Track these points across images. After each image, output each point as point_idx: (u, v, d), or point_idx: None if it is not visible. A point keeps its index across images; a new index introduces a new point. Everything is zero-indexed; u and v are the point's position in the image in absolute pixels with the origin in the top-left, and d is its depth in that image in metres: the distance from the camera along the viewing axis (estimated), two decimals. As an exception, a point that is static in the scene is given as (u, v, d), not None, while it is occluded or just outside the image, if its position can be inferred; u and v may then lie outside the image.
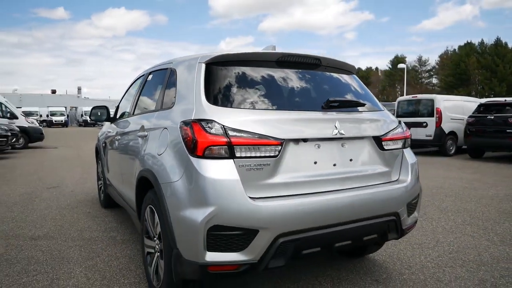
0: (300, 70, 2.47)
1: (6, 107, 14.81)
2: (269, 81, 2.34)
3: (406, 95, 25.23)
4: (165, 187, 2.12)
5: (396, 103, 12.82)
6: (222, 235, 1.88)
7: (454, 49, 61.42)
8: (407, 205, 2.47)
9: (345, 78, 2.69)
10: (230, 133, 1.96)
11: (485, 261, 3.09)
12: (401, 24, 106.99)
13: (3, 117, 14.46)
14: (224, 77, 2.24)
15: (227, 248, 1.90)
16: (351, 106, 2.46)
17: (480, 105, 10.77)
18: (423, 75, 72.00)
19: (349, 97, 2.57)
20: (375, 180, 2.40)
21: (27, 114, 38.11)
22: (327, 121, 2.23)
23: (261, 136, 2.00)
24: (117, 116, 4.16)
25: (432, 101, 11.51)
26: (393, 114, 11.85)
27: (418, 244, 3.51)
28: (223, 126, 1.97)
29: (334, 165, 2.25)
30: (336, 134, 2.21)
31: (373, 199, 2.28)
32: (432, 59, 74.12)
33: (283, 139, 2.05)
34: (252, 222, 1.89)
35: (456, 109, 11.63)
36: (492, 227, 4.05)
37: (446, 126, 11.27)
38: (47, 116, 40.34)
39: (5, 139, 11.52)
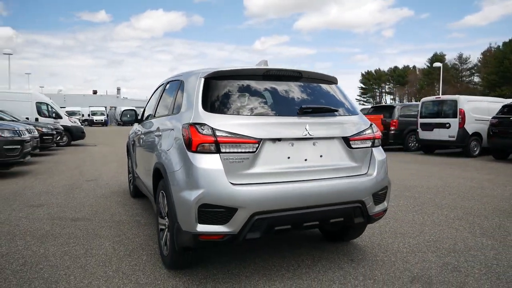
0: (283, 82, 3.00)
1: (51, 107, 16.23)
2: (254, 92, 2.90)
3: (442, 94, 24.78)
4: (171, 175, 2.72)
5: (420, 103, 12.88)
6: (209, 211, 2.45)
7: (498, 46, 58.79)
8: (373, 195, 2.93)
9: (325, 87, 3.19)
10: (217, 133, 2.52)
11: (457, 249, 3.45)
12: (442, 20, 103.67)
13: (49, 117, 15.89)
14: (218, 89, 2.81)
15: (213, 222, 2.47)
16: (322, 111, 2.96)
17: (504, 106, 10.69)
18: (463, 73, 69.37)
19: (324, 104, 3.06)
20: (343, 173, 2.88)
21: (70, 114, 40.51)
22: (298, 124, 2.74)
23: (242, 136, 2.55)
24: (143, 118, 4.85)
25: (455, 101, 11.52)
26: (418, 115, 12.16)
27: (402, 233, 3.91)
28: (212, 128, 2.54)
29: (305, 160, 2.76)
30: (306, 135, 2.72)
31: (339, 189, 2.77)
32: (474, 57, 71.27)
33: (260, 138, 2.59)
34: (231, 202, 2.45)
35: (481, 110, 11.57)
36: (481, 222, 4.35)
37: (470, 127, 11.25)
38: (88, 115, 42.84)
39: (51, 137, 12.78)
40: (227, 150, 2.53)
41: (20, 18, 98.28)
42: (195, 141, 2.53)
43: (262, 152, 2.61)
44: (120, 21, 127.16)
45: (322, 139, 2.83)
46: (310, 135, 2.74)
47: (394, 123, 13.17)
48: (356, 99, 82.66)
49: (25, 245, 3.55)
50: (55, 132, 13.34)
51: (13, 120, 11.12)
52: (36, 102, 15.76)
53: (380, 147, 3.17)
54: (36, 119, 15.39)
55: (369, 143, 3.03)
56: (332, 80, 3.27)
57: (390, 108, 14.16)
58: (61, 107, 24.27)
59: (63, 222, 4.33)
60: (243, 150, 2.55)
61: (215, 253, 3.29)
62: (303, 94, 3.05)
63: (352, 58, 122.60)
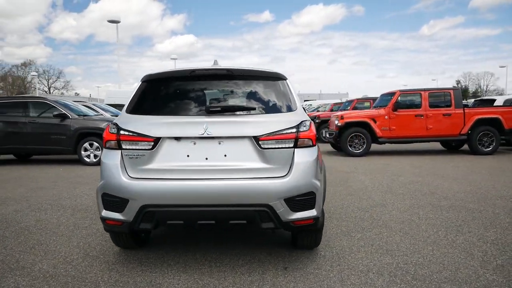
0: (211, 82, 3.07)
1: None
2: (175, 94, 3.06)
3: None
4: None
5: None
6: (108, 200, 2.79)
7: None
8: (287, 200, 2.70)
9: (260, 85, 3.07)
10: (121, 132, 2.83)
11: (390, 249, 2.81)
12: None
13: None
14: (143, 92, 3.09)
15: (113, 209, 2.79)
16: (233, 110, 2.89)
17: None
18: None
19: (248, 102, 2.96)
20: (250, 174, 2.75)
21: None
22: (198, 123, 2.77)
23: (139, 134, 2.78)
24: None
25: None
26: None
27: (346, 232, 3.36)
28: (118, 127, 2.86)
29: (206, 159, 2.78)
30: (203, 134, 2.74)
31: (241, 190, 2.68)
32: None
33: (157, 136, 2.77)
34: (123, 193, 2.72)
35: None
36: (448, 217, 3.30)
37: None
38: None
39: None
40: (127, 147, 2.81)
41: (200, 26, 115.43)
42: (104, 139, 2.90)
43: (161, 150, 2.79)
44: (282, 19, 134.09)
45: (228, 139, 2.78)
46: (208, 134, 2.74)
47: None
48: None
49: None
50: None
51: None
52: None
53: (313, 148, 2.87)
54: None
55: (288, 143, 2.79)
56: (274, 76, 3.12)
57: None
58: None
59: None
60: (140, 147, 2.79)
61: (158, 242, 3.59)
62: (227, 93, 3.04)
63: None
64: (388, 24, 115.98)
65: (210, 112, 2.84)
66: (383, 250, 3.35)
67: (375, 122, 9.97)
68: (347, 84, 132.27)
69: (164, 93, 3.07)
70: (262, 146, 2.76)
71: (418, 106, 10.02)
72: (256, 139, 2.76)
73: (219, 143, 2.79)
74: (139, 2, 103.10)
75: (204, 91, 3.06)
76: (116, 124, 2.90)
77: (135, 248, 3.40)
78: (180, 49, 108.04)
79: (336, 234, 3.79)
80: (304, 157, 2.80)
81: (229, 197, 2.68)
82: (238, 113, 2.90)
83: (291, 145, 2.79)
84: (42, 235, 3.85)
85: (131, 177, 2.77)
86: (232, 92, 3.08)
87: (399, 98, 10.07)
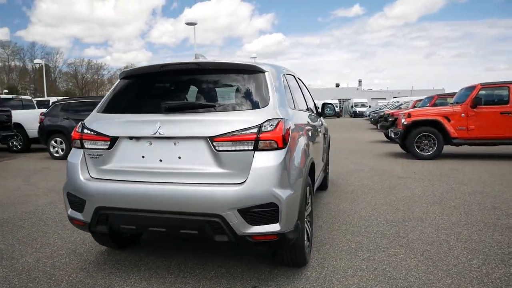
0: (180, 77, 2.83)
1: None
2: (139, 90, 2.89)
3: None
4: None
5: None
6: (71, 199, 2.74)
7: None
8: (241, 211, 2.35)
9: (232, 78, 2.75)
10: (84, 131, 2.75)
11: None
12: None
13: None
14: (115, 90, 2.98)
15: (76, 209, 2.72)
16: (191, 107, 2.59)
17: None
18: None
19: (207, 98, 2.69)
20: (204, 179, 2.45)
21: (308, 107, 44.63)
22: (152, 122, 2.55)
23: (98, 133, 2.67)
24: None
25: None
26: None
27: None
28: (83, 126, 2.79)
29: (160, 160, 2.55)
30: (155, 134, 2.51)
31: (189, 197, 2.40)
32: None
33: (113, 136, 2.63)
34: (80, 194, 2.64)
35: None
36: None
37: None
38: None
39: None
40: (88, 146, 2.72)
41: (287, 24, 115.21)
42: (72, 137, 2.86)
43: (118, 150, 2.64)
44: (373, 12, 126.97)
45: (183, 139, 2.51)
46: (160, 134, 2.51)
47: None
48: None
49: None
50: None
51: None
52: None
53: (279, 151, 2.44)
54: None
55: (247, 146, 2.41)
56: (248, 69, 2.75)
57: None
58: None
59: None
60: (98, 147, 2.68)
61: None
62: (194, 90, 2.76)
63: None
64: (499, 9, 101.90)
65: (167, 110, 2.60)
66: (384, 277, 2.76)
67: (448, 120, 8.63)
68: (446, 79, 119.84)
69: (132, 90, 2.93)
70: (217, 148, 2.43)
71: (505, 102, 8.40)
72: (211, 140, 2.45)
73: (175, 144, 2.54)
74: (230, 4, 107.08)
75: (171, 87, 2.84)
76: (82, 123, 2.84)
77: (119, 248, 3.34)
78: (268, 48, 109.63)
79: (339, 251, 3.27)
80: (264, 161, 2.39)
81: (179, 204, 2.42)
82: (198, 111, 2.61)
83: (251, 147, 2.41)
84: (52, 227, 4.05)
85: (92, 177, 2.69)
86: (200, 88, 2.81)
87: (479, 92, 8.56)
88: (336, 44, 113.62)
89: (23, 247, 3.46)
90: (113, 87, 3.03)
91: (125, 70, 3.06)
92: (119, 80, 3.04)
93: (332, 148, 11.53)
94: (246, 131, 2.42)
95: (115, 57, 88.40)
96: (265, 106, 2.58)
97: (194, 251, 3.26)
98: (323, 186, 5.56)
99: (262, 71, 2.77)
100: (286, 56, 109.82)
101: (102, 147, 2.67)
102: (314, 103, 5.09)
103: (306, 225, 3.06)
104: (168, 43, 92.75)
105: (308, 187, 2.97)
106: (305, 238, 2.94)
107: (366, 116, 31.87)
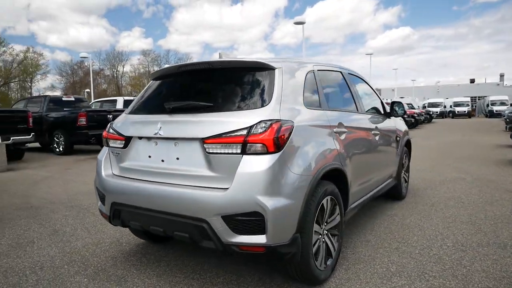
0: (194, 77, 2.82)
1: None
2: (160, 91, 2.96)
3: None
4: None
5: None
6: (98, 193, 2.97)
7: None
8: (225, 218, 2.21)
9: (234, 77, 2.64)
10: (110, 130, 2.95)
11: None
12: None
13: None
14: (143, 92, 3.12)
15: (102, 203, 2.94)
16: (191, 108, 2.52)
17: None
18: None
19: (210, 98, 2.59)
20: (195, 182, 2.38)
21: (432, 106, 40.51)
22: (153, 123, 2.59)
23: (117, 133, 2.84)
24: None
25: None
26: None
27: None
28: (110, 126, 2.99)
29: (163, 161, 2.56)
30: (156, 134, 2.54)
31: (181, 199, 2.36)
32: None
33: (127, 135, 2.76)
34: (102, 189, 2.84)
35: None
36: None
37: None
38: (451, 106, 40.90)
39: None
40: (111, 145, 2.91)
41: (416, 16, 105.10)
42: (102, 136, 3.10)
43: (132, 149, 2.76)
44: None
45: (182, 140, 2.49)
46: (160, 134, 2.53)
47: None
48: None
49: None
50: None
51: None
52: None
53: (268, 156, 2.20)
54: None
55: (235, 149, 2.24)
56: (256, 67, 2.58)
57: None
58: (400, 98, 25.66)
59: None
60: (116, 146, 2.84)
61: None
62: (202, 89, 2.72)
63: None
64: None
65: (169, 110, 2.61)
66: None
67: None
68: None
69: (152, 91, 3.02)
70: (208, 150, 2.34)
71: None
72: (203, 142, 2.37)
73: (175, 145, 2.54)
74: (352, 1, 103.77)
75: (182, 88, 2.84)
76: (110, 123, 3.06)
77: (154, 242, 3.52)
78: (394, 43, 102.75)
79: (371, 273, 2.82)
80: (250, 166, 2.20)
81: (172, 205, 2.41)
82: (199, 111, 2.53)
83: (239, 150, 2.24)
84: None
85: (113, 174, 2.88)
86: (207, 87, 2.73)
87: None
88: (475, 34, 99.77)
89: (83, 232, 3.92)
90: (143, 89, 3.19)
91: (154, 72, 3.19)
92: (150, 82, 3.19)
93: (436, 153, 10.13)
94: (235, 133, 2.26)
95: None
96: (264, 106, 2.37)
97: (220, 256, 3.20)
98: (396, 195, 4.90)
99: (272, 68, 2.56)
100: (414, 51, 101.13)
101: (119, 146, 2.84)
102: (383, 103, 4.52)
103: (328, 238, 2.74)
104: (290, 43, 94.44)
105: (328, 197, 2.64)
106: (322, 254, 2.63)
107: (503, 116, 27.15)
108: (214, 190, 2.28)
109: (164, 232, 2.55)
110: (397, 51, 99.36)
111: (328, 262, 2.73)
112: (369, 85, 4.40)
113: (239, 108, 2.42)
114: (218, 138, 2.30)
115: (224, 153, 2.28)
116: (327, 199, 2.64)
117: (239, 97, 2.51)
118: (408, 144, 5.19)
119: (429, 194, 5.34)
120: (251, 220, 2.18)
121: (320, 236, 2.65)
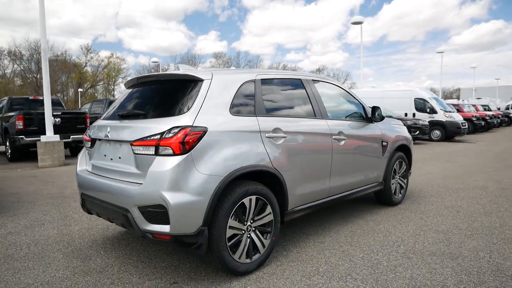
0: (144, 88, 3.31)
1: (428, 103, 16.70)
2: (121, 99, 3.46)
3: None
4: None
5: None
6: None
7: None
8: (140, 208, 2.62)
9: (167, 89, 3.08)
10: (86, 133, 3.53)
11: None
12: None
13: (425, 112, 16.58)
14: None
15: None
16: (131, 115, 3.02)
17: None
18: None
19: (144, 107, 3.07)
20: (128, 178, 2.83)
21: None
22: (105, 127, 3.10)
23: (87, 134, 3.41)
24: None
25: None
26: None
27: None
28: (87, 128, 3.58)
29: (111, 159, 3.05)
30: (106, 137, 3.04)
31: (116, 192, 2.83)
32: None
33: (91, 137, 3.30)
34: (77, 181, 3.44)
35: None
36: None
37: None
38: (507, 108, 33.68)
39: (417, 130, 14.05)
40: (86, 145, 3.49)
41: (509, 8, 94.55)
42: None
43: (95, 149, 3.30)
44: None
45: (122, 142, 2.94)
46: (107, 137, 3.02)
47: None
48: None
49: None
50: (419, 126, 14.37)
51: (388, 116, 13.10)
52: (415, 98, 16.97)
53: (174, 157, 2.55)
54: (413, 114, 16.74)
55: (151, 150, 2.64)
56: (185, 79, 3.00)
57: None
58: (477, 99, 23.64)
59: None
60: (87, 146, 3.41)
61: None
62: (144, 99, 3.20)
63: None
64: None
65: (119, 117, 3.11)
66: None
67: None
68: None
69: (120, 99, 3.53)
70: (134, 151, 2.77)
71: None
72: (131, 144, 2.80)
73: (120, 146, 3.01)
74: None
75: (135, 97, 3.30)
76: (88, 127, 3.65)
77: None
78: (482, 38, 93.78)
79: (294, 271, 2.99)
80: (159, 166, 2.59)
81: (110, 196, 2.89)
82: (138, 118, 2.99)
83: (152, 152, 2.64)
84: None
85: (87, 170, 3.45)
86: (146, 97, 3.23)
87: None
88: None
89: (85, 218, 4.58)
90: None
91: (127, 80, 3.71)
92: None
93: (486, 159, 9.26)
94: (152, 137, 2.66)
95: (312, 60, 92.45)
96: (181, 114, 2.72)
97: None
98: (385, 200, 4.85)
99: (200, 80, 2.90)
100: (507, 46, 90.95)
101: (88, 146, 3.41)
102: (365, 109, 4.51)
103: (256, 235, 2.98)
104: (365, 42, 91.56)
105: (253, 197, 2.89)
106: (244, 248, 2.88)
107: None
108: (134, 185, 2.71)
109: (109, 219, 3.04)
110: (487, 46, 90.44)
111: (255, 257, 2.97)
112: (348, 92, 4.44)
113: (162, 116, 2.81)
114: (141, 141, 2.72)
115: (144, 154, 2.70)
116: (250, 199, 2.88)
117: (167, 105, 2.90)
118: (404, 149, 5.07)
119: (429, 202, 5.14)
120: (158, 212, 2.56)
121: (243, 232, 2.90)
